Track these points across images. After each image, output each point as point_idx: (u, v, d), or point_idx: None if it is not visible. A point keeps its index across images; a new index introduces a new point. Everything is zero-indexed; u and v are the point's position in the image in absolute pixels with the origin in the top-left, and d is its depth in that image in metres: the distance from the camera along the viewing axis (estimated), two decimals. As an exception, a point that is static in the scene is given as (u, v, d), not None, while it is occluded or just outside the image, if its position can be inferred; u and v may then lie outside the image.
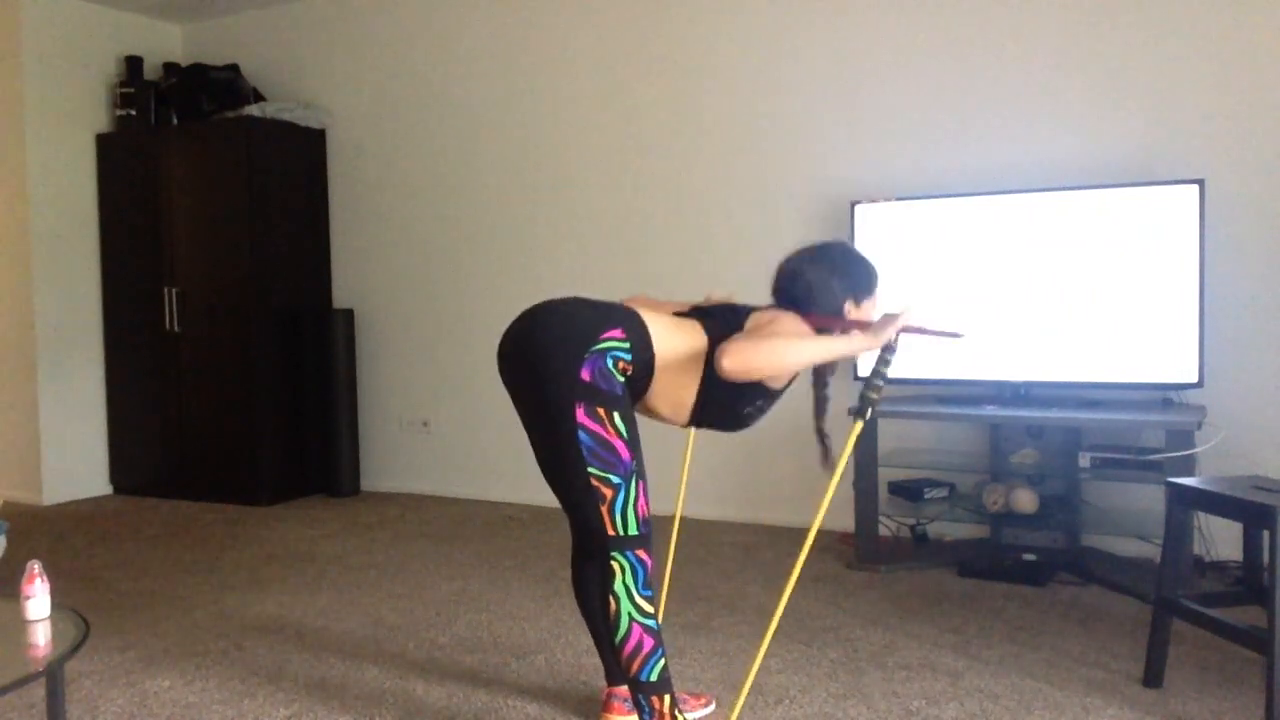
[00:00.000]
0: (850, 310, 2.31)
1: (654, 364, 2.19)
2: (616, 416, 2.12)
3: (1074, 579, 3.57)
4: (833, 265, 2.31)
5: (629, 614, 2.13)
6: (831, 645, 2.99)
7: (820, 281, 2.28)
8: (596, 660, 2.77)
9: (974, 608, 3.32)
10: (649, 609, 2.15)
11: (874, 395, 2.11)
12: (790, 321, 2.21)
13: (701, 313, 2.32)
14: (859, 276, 2.33)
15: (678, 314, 2.34)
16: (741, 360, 2.04)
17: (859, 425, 2.11)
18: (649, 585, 2.16)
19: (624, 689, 2.42)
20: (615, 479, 2.12)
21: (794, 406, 2.70)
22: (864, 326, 2.20)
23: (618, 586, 2.13)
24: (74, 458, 5.50)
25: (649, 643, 2.14)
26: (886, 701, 2.58)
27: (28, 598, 2.19)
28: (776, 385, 2.25)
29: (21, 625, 2.18)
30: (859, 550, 3.82)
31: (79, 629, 2.14)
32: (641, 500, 2.16)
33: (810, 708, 2.54)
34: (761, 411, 2.31)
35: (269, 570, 3.96)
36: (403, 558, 4.10)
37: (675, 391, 2.23)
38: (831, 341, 2.16)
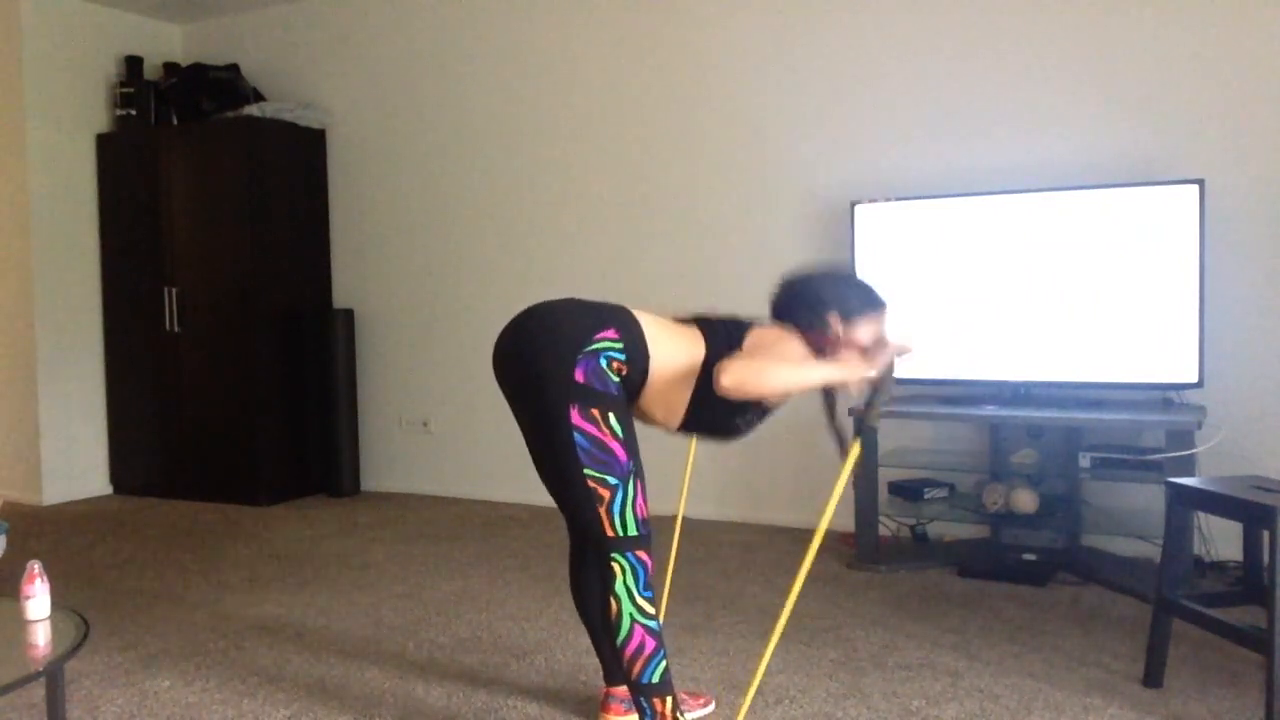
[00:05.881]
0: (844, 332, 2.26)
1: (649, 366, 2.19)
2: (612, 417, 2.11)
3: (1074, 579, 3.57)
4: (834, 286, 2.29)
5: (630, 615, 2.13)
6: (831, 645, 2.99)
7: (817, 301, 2.25)
8: (596, 660, 2.76)
9: (974, 608, 3.32)
10: (650, 610, 2.15)
11: (872, 424, 2.13)
12: (791, 344, 2.20)
13: (704, 322, 2.31)
14: (857, 300, 2.28)
15: (680, 319, 2.33)
16: (740, 380, 2.04)
17: (857, 448, 2.10)
18: (650, 586, 2.16)
19: (622, 689, 2.43)
20: (613, 480, 2.12)
21: (794, 406, 2.69)
22: (861, 351, 2.19)
23: (619, 588, 2.13)
24: (74, 458, 5.50)
25: (651, 644, 2.14)
26: (886, 701, 2.58)
27: (28, 598, 2.19)
28: (772, 402, 2.25)
29: (21, 625, 2.18)
30: (859, 550, 3.82)
31: (79, 629, 2.14)
32: (640, 500, 2.16)
33: (810, 708, 2.54)
34: (752, 425, 2.32)
35: (269, 570, 3.96)
36: (403, 558, 4.10)
37: (669, 396, 2.23)
38: (829, 368, 2.16)
